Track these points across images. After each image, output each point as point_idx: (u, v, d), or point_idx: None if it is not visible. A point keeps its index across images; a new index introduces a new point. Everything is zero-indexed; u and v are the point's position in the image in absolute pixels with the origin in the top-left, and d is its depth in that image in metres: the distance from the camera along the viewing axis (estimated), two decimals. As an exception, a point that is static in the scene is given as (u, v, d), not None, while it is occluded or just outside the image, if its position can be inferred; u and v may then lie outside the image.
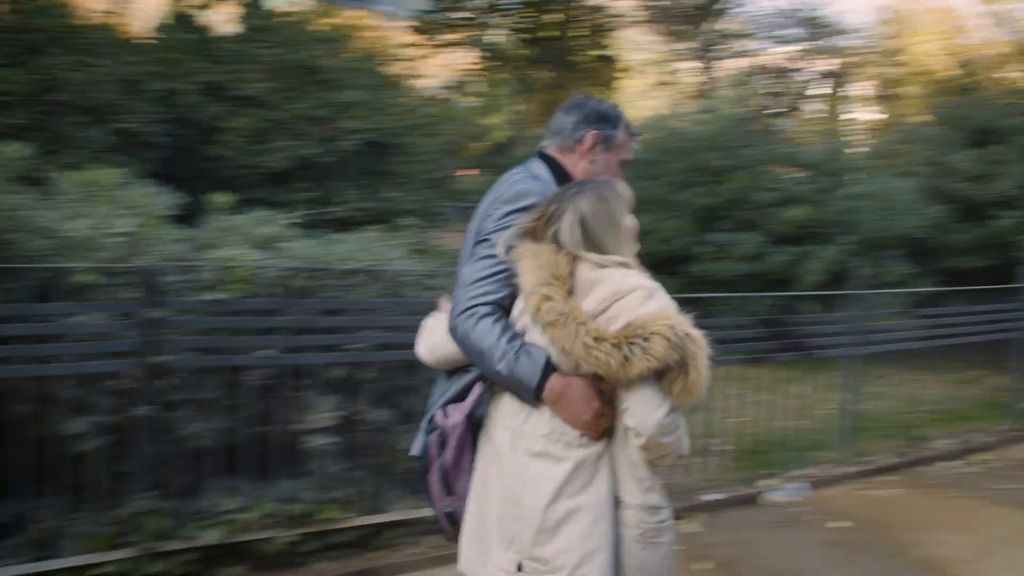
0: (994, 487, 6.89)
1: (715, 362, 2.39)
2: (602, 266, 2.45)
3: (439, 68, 26.83)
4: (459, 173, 21.60)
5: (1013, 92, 14.62)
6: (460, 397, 2.73)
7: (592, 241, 2.48)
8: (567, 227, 2.48)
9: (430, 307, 5.05)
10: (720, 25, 28.91)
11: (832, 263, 10.37)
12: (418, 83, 18.08)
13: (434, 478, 2.70)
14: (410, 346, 4.91)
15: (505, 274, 2.58)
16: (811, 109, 29.94)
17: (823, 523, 5.88)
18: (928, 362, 8.86)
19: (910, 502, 6.42)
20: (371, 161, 11.89)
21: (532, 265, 2.45)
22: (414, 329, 5.03)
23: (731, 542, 5.48)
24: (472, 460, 2.68)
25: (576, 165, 2.90)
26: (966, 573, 5.18)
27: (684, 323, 2.33)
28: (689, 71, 30.33)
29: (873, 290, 7.59)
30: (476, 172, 27.56)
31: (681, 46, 29.37)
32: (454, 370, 2.81)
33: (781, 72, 28.94)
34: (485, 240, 2.66)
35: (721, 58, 29.35)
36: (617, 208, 2.56)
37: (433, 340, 2.81)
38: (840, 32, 28.50)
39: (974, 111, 13.04)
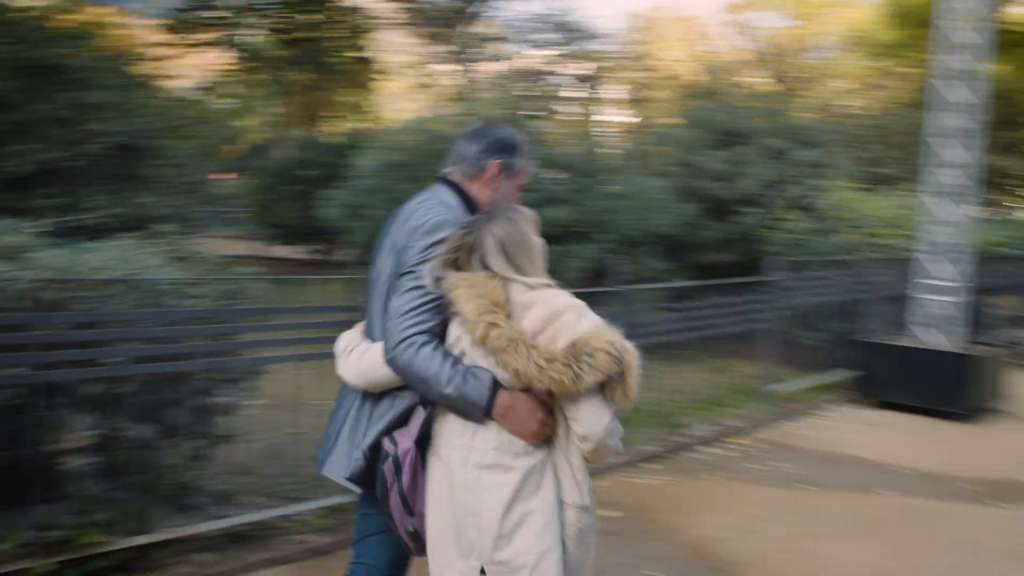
0: (749, 467, 7.29)
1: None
2: (532, 288, 2.69)
3: (193, 68, 25.93)
4: (215, 177, 20.95)
5: (754, 96, 15.53)
6: (400, 422, 2.87)
7: (511, 264, 2.71)
8: (491, 253, 2.71)
9: (191, 317, 4.90)
10: (476, 28, 29.31)
11: (592, 261, 10.67)
12: (170, 84, 17.40)
13: (394, 502, 2.81)
14: (173, 357, 4.74)
15: (435, 303, 2.74)
16: (567, 112, 30.82)
17: (594, 513, 6.04)
18: (685, 353, 9.28)
19: (674, 487, 6.69)
20: (122, 165, 11.32)
21: (470, 294, 2.64)
22: (176, 340, 4.82)
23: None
24: (424, 480, 2.83)
25: (480, 192, 3.06)
26: (727, 551, 5.44)
27: (619, 337, 2.60)
28: (447, 73, 30.59)
29: (632, 286, 7.87)
30: (233, 176, 26.81)
31: (438, 48, 29.59)
32: (381, 393, 2.93)
33: (537, 75, 29.63)
34: (410, 272, 2.80)
35: (478, 61, 29.76)
36: (528, 230, 2.80)
37: (363, 366, 2.91)
38: (593, 37, 29.49)
39: (719, 114, 13.78)
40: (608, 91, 32.42)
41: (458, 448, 2.71)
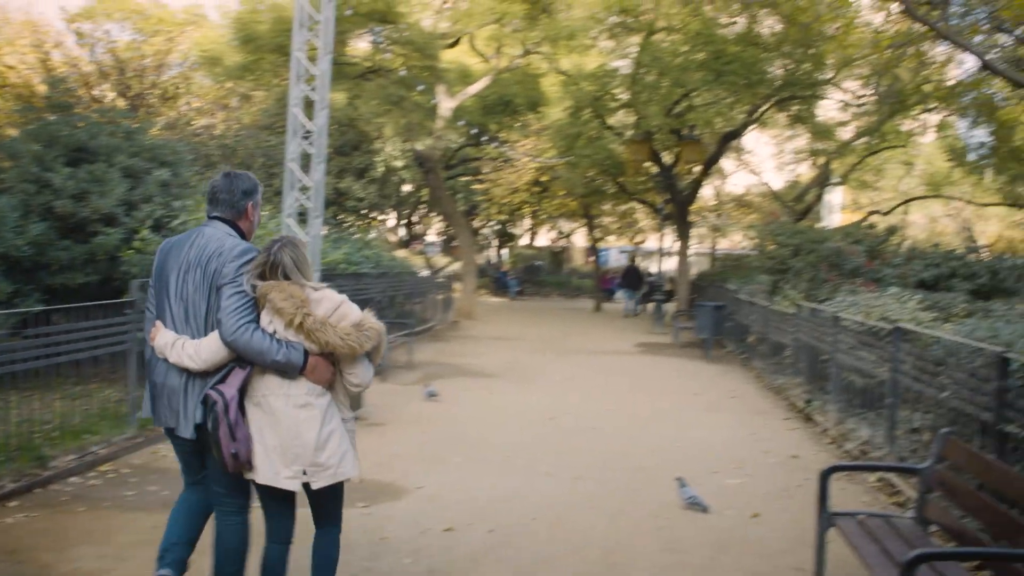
0: (120, 495, 7.10)
1: None
2: (316, 289, 4.28)
3: None
4: None
5: (105, 111, 14.99)
6: (220, 380, 4.18)
7: (302, 275, 4.27)
8: (290, 268, 4.23)
9: None
10: None
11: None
12: None
13: (223, 432, 4.09)
14: None
15: (253, 302, 4.20)
16: None
17: (-50, 564, 5.48)
18: (42, 380, 8.70)
19: (41, 523, 6.30)
20: None
21: (283, 296, 4.13)
22: None
23: None
24: (243, 417, 4.18)
25: (244, 225, 4.55)
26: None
27: (374, 318, 4.32)
28: None
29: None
30: None
31: None
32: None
33: None
34: (232, 283, 4.20)
35: None
36: (304, 251, 4.35)
37: (205, 354, 4.21)
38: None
39: (68, 129, 13.09)
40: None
41: (280, 396, 4.19)
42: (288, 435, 4.14)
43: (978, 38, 17.17)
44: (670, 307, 29.18)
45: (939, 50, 23.48)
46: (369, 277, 16.71)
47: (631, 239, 46.32)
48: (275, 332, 4.15)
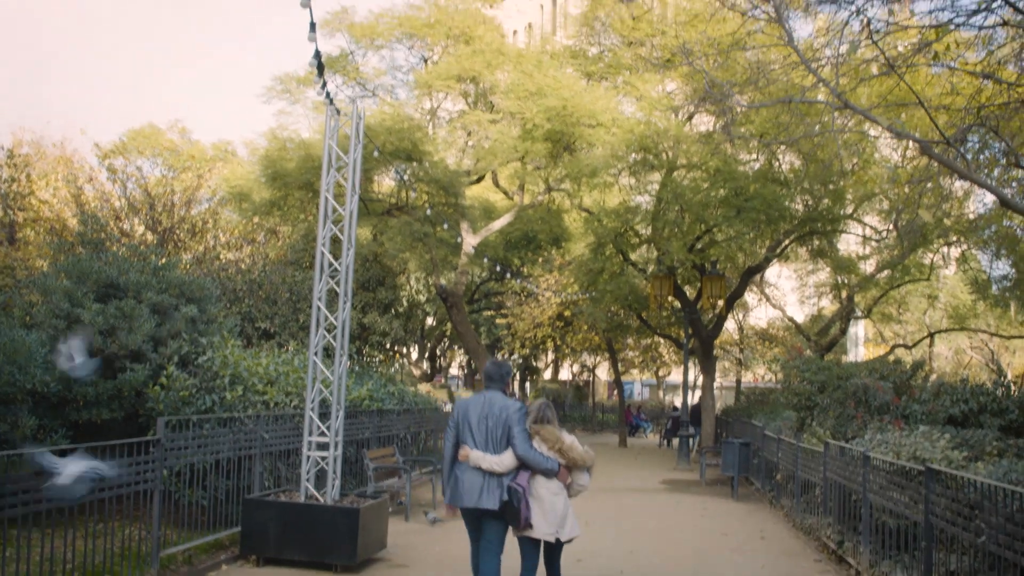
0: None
1: None
2: (561, 430, 7.72)
3: None
4: None
5: (134, 248, 15.22)
6: (514, 478, 7.28)
7: (555, 421, 7.75)
8: (551, 419, 7.71)
9: None
10: None
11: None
12: None
13: (524, 506, 7.15)
14: None
15: (529, 435, 7.47)
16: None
17: None
18: (64, 518, 8.59)
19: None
20: None
21: (548, 434, 7.53)
22: None
23: None
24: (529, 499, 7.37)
25: (507, 390, 7.77)
26: None
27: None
28: None
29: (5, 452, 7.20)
30: None
31: None
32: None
33: None
34: (519, 425, 7.37)
35: None
36: (554, 409, 7.93)
37: (507, 463, 7.29)
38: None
39: (98, 264, 13.26)
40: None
41: (544, 487, 7.36)
42: (548, 509, 7.26)
43: (997, 170, 17.35)
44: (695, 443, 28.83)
45: (958, 184, 23.72)
46: (393, 414, 16.62)
47: (655, 373, 46.14)
48: (539, 450, 7.36)
